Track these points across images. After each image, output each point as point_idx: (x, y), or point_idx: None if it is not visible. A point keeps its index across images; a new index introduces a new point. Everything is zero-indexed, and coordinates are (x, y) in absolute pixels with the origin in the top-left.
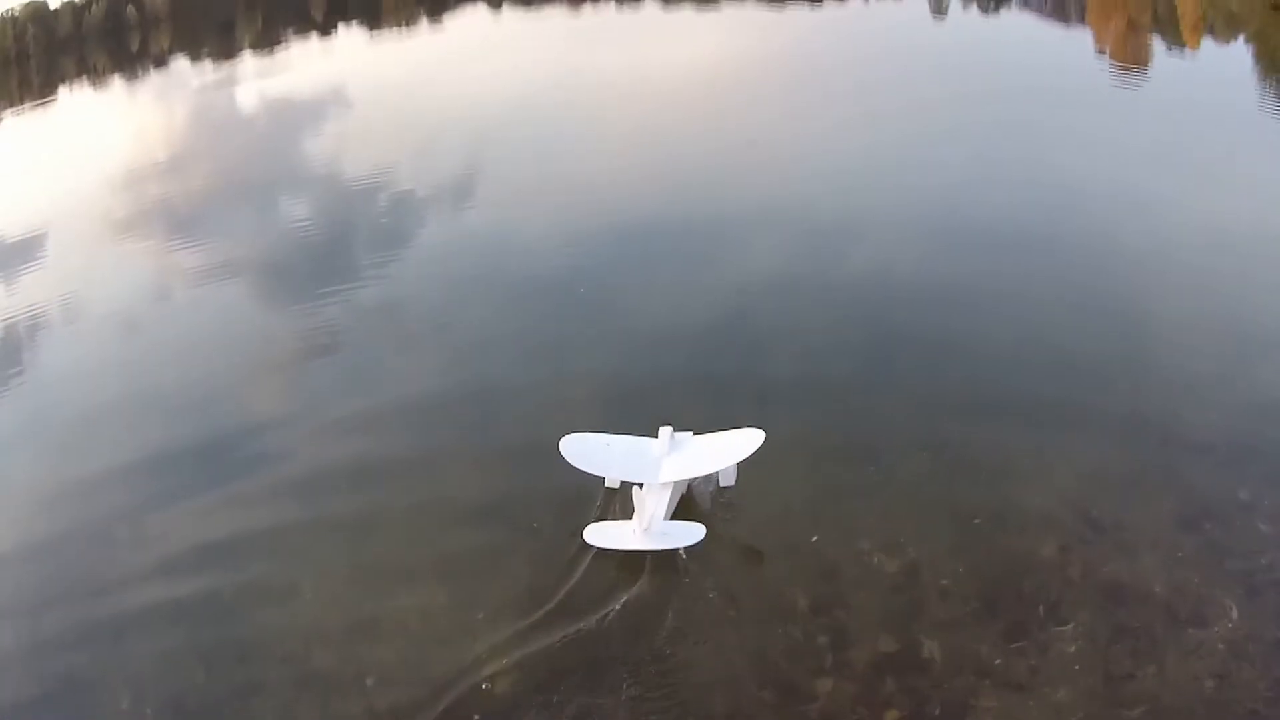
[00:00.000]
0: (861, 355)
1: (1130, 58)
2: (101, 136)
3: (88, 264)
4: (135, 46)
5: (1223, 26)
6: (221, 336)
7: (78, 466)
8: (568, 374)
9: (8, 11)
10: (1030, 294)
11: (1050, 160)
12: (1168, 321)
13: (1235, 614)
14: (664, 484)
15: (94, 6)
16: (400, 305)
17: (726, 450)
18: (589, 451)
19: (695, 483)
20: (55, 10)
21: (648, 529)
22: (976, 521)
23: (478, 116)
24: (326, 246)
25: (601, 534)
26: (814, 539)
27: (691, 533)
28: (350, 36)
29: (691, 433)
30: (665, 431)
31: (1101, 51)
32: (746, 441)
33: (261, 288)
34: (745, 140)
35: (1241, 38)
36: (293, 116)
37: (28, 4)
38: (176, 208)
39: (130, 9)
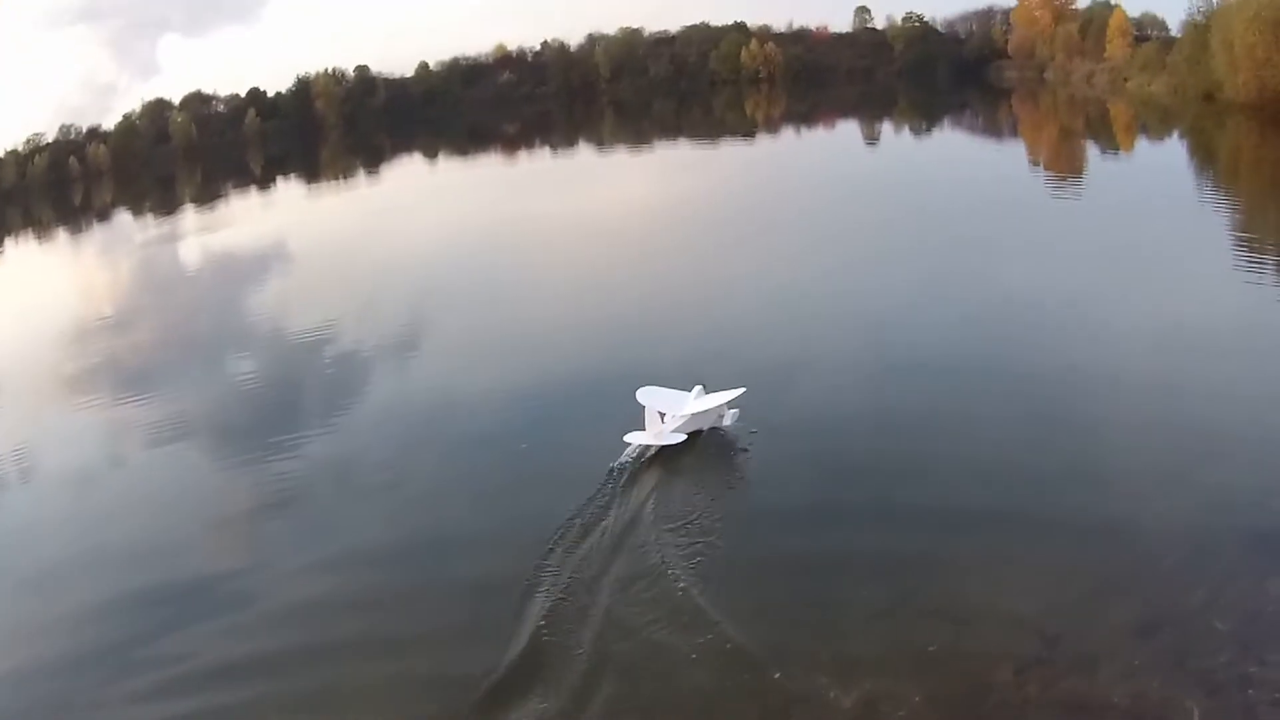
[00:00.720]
0: (816, 484)
1: (1065, 166)
2: (47, 290)
3: (34, 418)
4: (78, 199)
5: (1156, 125)
6: (164, 491)
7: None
8: (509, 522)
9: None
10: (978, 411)
11: (992, 274)
12: (1115, 426)
13: (1198, 715)
14: (691, 409)
15: (37, 157)
16: (345, 458)
17: (725, 397)
18: (655, 395)
19: (706, 426)
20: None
21: (671, 430)
22: (932, 649)
23: (418, 267)
24: (271, 400)
25: (637, 438)
26: (776, 675)
27: (682, 437)
28: (289, 189)
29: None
30: (698, 388)
31: (1036, 163)
32: (735, 393)
33: (208, 442)
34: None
35: (1176, 133)
36: (236, 270)
37: None
38: (124, 362)
39: (73, 161)
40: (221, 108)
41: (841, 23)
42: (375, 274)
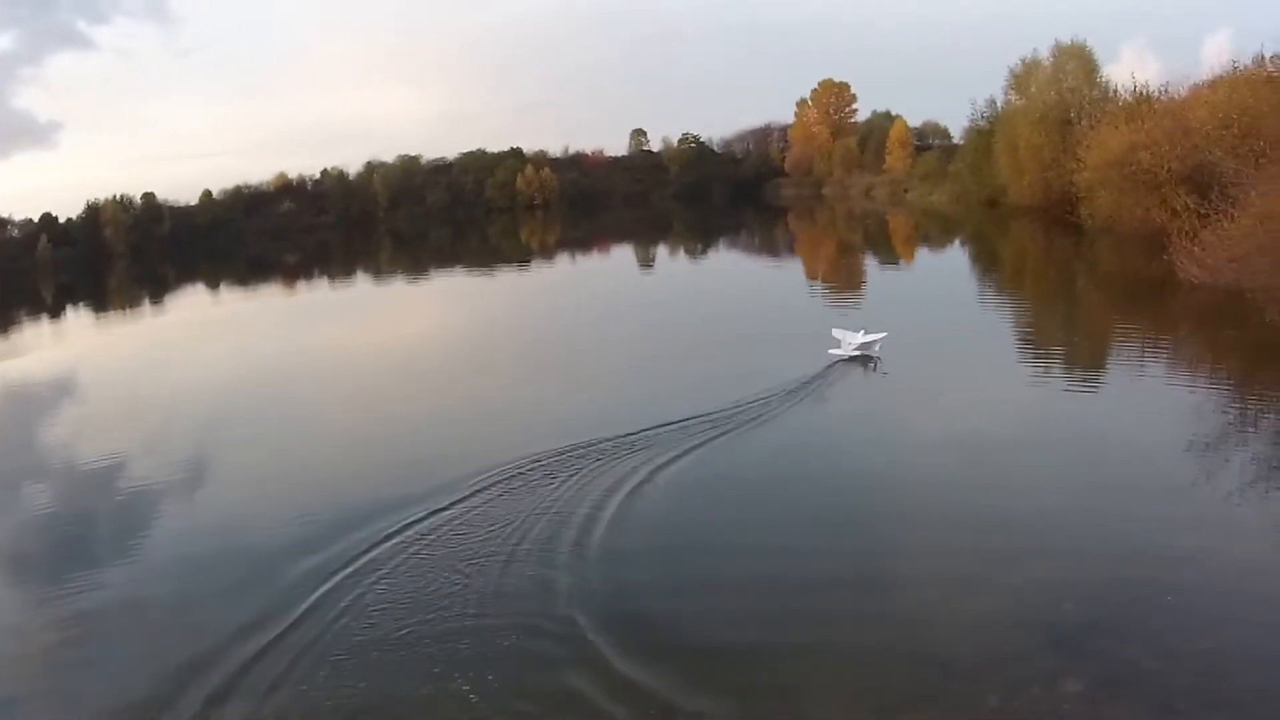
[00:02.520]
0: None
1: (843, 280)
2: None
3: None
4: None
5: (938, 234)
6: None
7: None
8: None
9: None
10: (752, 517)
11: (765, 377)
12: (904, 529)
13: None
14: (861, 340)
15: None
16: (129, 597)
17: (878, 336)
18: (844, 332)
19: (863, 354)
20: None
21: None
22: None
23: (200, 398)
24: (53, 534)
25: (831, 356)
26: None
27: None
28: (79, 319)
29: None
30: (863, 330)
31: (814, 278)
32: (882, 335)
33: None
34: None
35: (958, 241)
36: (21, 400)
37: None
38: None
39: None
40: (16, 232)
41: (618, 146)
42: (159, 406)
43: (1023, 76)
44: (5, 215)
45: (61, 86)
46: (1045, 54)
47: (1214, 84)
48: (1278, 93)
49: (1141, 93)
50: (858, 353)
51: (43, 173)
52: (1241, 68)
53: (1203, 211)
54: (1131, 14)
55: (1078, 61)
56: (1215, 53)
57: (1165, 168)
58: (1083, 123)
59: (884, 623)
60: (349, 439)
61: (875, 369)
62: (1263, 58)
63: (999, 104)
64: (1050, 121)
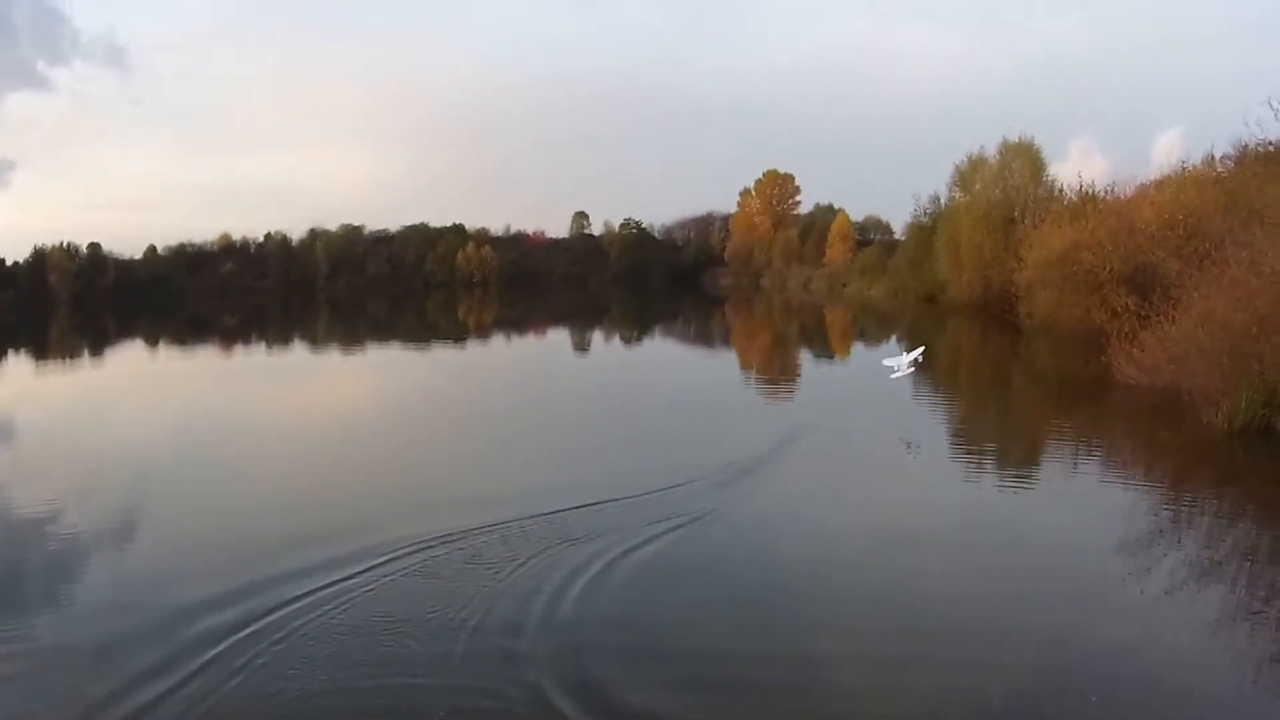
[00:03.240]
0: None
1: (775, 371)
2: None
3: None
4: None
5: (875, 329)
6: None
7: None
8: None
9: None
10: (670, 618)
11: (682, 467)
12: (830, 630)
13: None
14: (909, 359)
15: None
16: (58, 649)
17: (916, 354)
18: (897, 356)
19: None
20: None
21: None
22: None
23: (134, 451)
24: None
25: (889, 371)
26: None
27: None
28: (18, 365)
29: (907, 351)
30: (905, 353)
31: (748, 369)
32: (919, 350)
33: None
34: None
35: (894, 337)
36: None
37: None
38: None
39: None
40: None
41: (560, 228)
42: (90, 456)
43: (968, 173)
44: None
45: (16, 125)
46: (992, 151)
47: (1161, 184)
48: (1225, 193)
49: (1087, 192)
50: (911, 369)
51: None
52: (1190, 167)
53: (1143, 313)
54: (1082, 113)
55: (1024, 159)
56: (1165, 152)
57: (1107, 268)
58: (1026, 221)
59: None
60: (273, 502)
61: (914, 450)
62: (1212, 157)
63: (942, 200)
64: (993, 219)
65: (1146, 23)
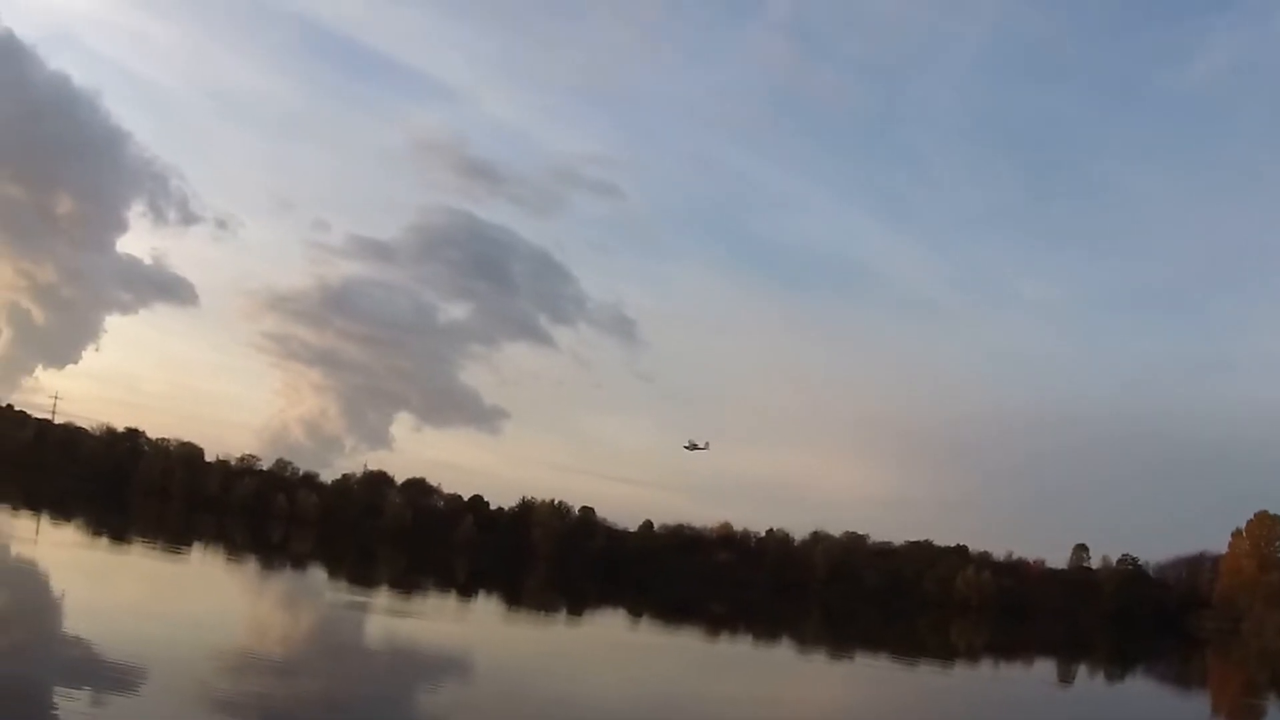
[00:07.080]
0: None
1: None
2: (218, 606)
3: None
4: (276, 537)
5: None
6: None
7: None
8: None
9: None
10: None
11: None
12: None
13: None
14: None
15: (247, 479)
16: None
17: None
18: None
19: None
20: None
21: None
22: None
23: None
24: None
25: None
26: None
27: None
28: (486, 606)
29: None
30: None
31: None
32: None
33: None
34: None
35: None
36: (411, 659)
37: None
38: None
39: (282, 498)
40: (441, 503)
41: (1057, 557)
42: (535, 711)
43: None
44: (435, 483)
45: (512, 375)
46: None
47: None
48: None
49: None
50: None
51: (477, 453)
52: None
53: None
54: None
55: None
56: None
57: None
58: None
59: None
60: None
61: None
62: None
63: None
64: None
65: None
